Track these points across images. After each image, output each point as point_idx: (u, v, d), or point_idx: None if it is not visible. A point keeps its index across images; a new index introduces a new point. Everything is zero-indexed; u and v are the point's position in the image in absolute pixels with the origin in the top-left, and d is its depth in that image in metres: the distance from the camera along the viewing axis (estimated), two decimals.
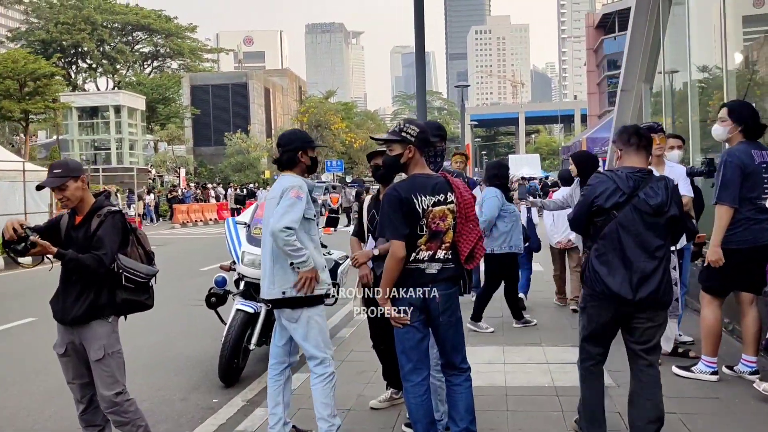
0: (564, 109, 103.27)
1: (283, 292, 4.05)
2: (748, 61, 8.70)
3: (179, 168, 43.60)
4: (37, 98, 35.64)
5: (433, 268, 3.58)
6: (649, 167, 3.91)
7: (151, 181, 41.60)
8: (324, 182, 40.65)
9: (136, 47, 64.65)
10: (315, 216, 4.19)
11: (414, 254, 3.55)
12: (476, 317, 7.28)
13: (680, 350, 5.84)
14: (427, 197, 3.53)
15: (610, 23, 69.84)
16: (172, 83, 54.95)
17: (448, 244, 3.61)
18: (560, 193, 8.24)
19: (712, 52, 8.94)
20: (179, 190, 36.54)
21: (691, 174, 5.58)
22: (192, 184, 40.85)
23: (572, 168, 6.96)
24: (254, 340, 5.83)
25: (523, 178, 38.85)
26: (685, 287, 6.08)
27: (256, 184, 44.23)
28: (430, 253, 3.57)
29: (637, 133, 3.91)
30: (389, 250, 3.57)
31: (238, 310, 5.88)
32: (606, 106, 66.17)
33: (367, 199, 4.94)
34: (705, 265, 5.05)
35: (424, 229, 3.53)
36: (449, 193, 3.60)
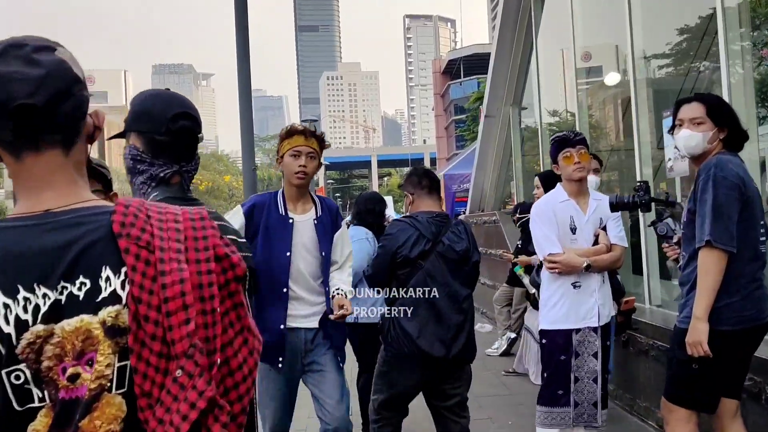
0: (414, 152, 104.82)
1: None
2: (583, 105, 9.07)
3: None
4: None
5: None
6: (444, 210, 3.77)
7: None
8: None
9: None
10: None
11: None
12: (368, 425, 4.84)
13: None
14: (37, 290, 1.00)
15: (455, 69, 71.54)
16: None
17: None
18: None
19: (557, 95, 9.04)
20: None
21: (618, 206, 3.61)
22: None
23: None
24: None
25: None
26: (610, 373, 4.16)
27: None
28: None
29: (428, 175, 3.72)
30: None
31: None
32: (454, 149, 67.17)
33: None
34: (677, 359, 3.04)
35: (37, 394, 0.98)
36: (109, 272, 1.04)
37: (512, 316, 7.93)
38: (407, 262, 3.42)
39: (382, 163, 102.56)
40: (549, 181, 5.04)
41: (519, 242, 8.00)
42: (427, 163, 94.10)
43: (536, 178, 5.42)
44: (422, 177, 3.67)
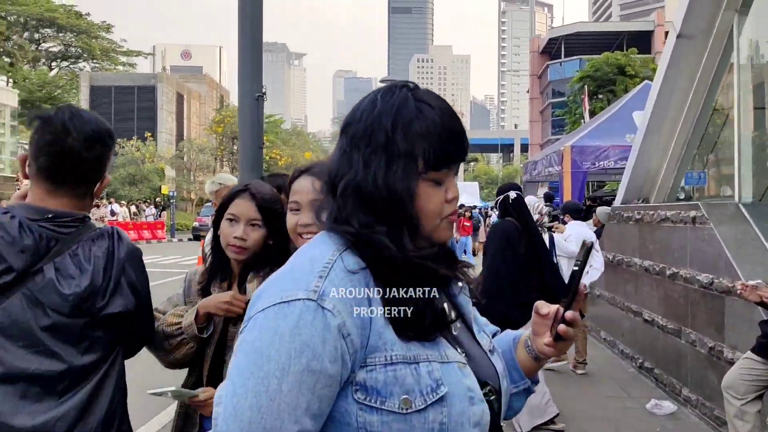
0: (504, 137, 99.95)
1: None
2: None
3: None
4: None
5: None
6: (84, 213, 1.91)
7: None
8: None
9: (44, 45, 57.40)
10: None
11: None
12: None
13: None
14: None
15: (555, 49, 67.38)
16: (65, 81, 47.68)
17: None
18: (574, 232, 6.83)
19: None
20: None
21: None
22: None
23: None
24: None
25: (462, 206, 33.12)
26: None
27: (148, 201, 37.34)
28: None
29: (53, 135, 1.84)
30: None
31: None
32: (549, 134, 63.42)
33: None
34: None
35: None
36: None
37: None
38: None
39: (469, 148, 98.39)
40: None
41: None
42: (517, 150, 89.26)
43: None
44: (44, 133, 1.84)
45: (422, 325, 1.13)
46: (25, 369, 1.73)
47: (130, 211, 32.77)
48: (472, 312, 1.34)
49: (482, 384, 1.19)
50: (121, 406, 1.92)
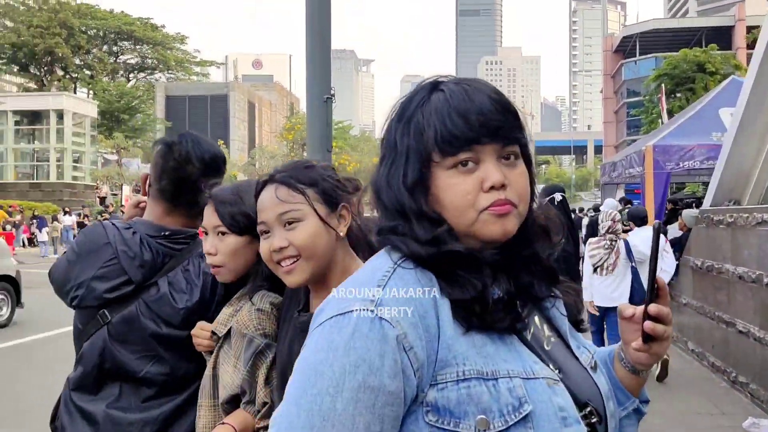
0: (576, 138, 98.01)
1: None
2: None
3: (123, 185, 37.27)
4: None
5: None
6: (195, 230, 2.06)
7: (98, 199, 35.71)
8: None
9: (122, 57, 59.87)
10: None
11: None
12: None
13: None
14: None
15: (630, 47, 65.70)
16: (142, 91, 49.41)
17: None
18: (639, 237, 6.43)
19: None
20: (113, 211, 30.26)
21: None
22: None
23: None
24: None
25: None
26: None
27: None
28: None
29: (171, 147, 2.03)
30: None
31: None
32: (624, 135, 61.80)
33: None
34: None
35: None
36: None
37: None
38: (85, 306, 1.95)
39: (539, 150, 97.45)
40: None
41: None
42: (590, 151, 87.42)
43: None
44: (168, 159, 2.01)
45: (485, 312, 1.02)
46: (137, 371, 1.90)
47: None
48: (570, 328, 1.19)
49: (582, 405, 1.07)
50: None
